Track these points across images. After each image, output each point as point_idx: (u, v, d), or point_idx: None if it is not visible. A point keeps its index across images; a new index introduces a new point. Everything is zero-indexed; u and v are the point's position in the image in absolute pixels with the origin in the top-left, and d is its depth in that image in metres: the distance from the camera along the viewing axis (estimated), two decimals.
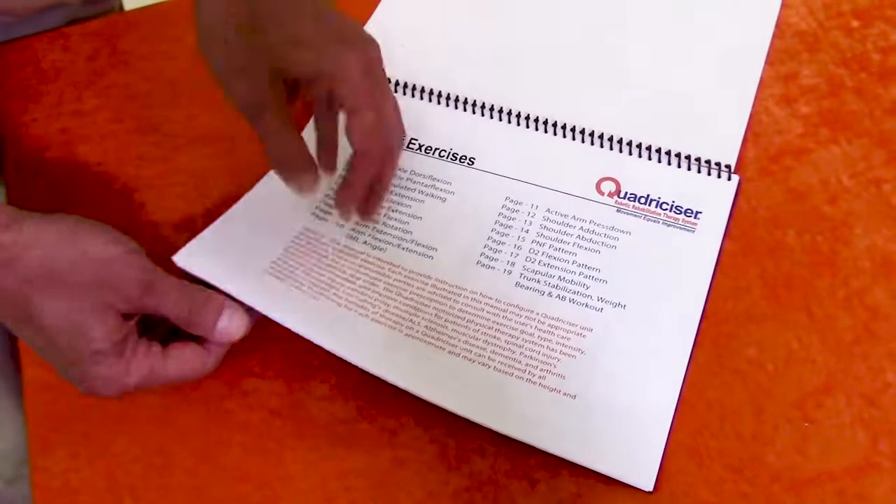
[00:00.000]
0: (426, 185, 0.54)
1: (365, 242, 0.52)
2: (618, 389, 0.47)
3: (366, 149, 0.46)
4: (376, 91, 0.46)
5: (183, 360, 0.44)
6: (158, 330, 0.46)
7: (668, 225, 0.51)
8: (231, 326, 0.45)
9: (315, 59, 0.44)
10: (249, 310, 0.47)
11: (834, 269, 0.50)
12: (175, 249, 0.53)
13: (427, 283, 0.51)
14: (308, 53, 0.44)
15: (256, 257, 0.51)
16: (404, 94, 0.58)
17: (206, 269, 0.48)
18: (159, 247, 0.54)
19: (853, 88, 0.56)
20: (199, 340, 0.46)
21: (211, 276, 0.47)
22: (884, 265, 0.50)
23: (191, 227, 0.54)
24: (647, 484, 0.44)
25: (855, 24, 0.59)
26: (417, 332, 0.49)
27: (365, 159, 0.46)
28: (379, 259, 0.52)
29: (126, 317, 0.43)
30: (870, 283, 0.49)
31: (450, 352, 0.48)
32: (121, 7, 0.74)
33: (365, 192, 0.48)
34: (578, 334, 0.48)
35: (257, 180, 0.55)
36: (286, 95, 0.46)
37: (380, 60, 0.46)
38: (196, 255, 0.49)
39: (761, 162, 0.54)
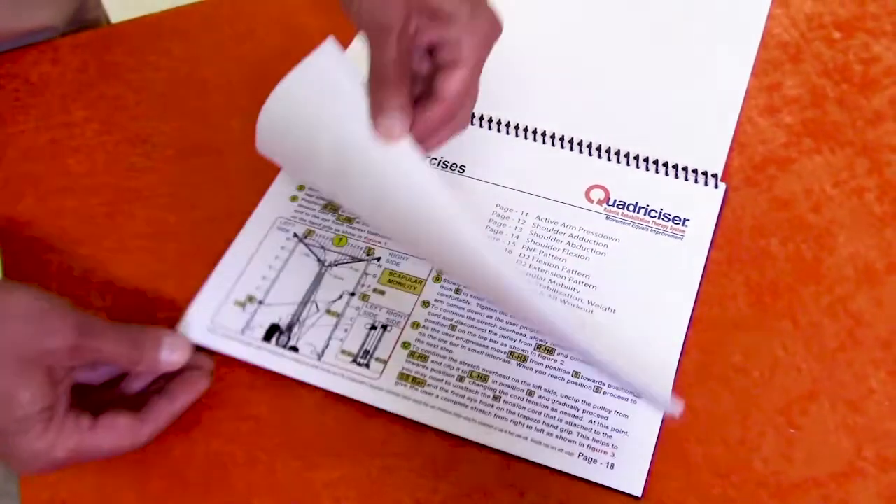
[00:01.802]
0: None
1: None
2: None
3: (455, 99, 0.44)
4: (484, 59, 0.45)
5: (115, 432, 0.42)
6: (89, 400, 0.44)
7: (657, 232, 0.52)
8: (174, 355, 0.45)
9: (460, 6, 0.43)
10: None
11: (818, 277, 0.50)
12: (162, 260, 0.54)
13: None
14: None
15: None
16: None
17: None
18: (146, 257, 0.54)
19: (835, 99, 0.57)
20: (133, 410, 0.44)
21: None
22: (867, 273, 0.50)
23: (180, 239, 0.55)
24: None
25: (837, 35, 0.60)
26: None
27: (447, 109, 0.44)
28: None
29: (55, 386, 0.41)
30: (853, 290, 0.50)
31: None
32: (107, 23, 0.74)
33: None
34: None
35: (245, 191, 0.55)
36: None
37: (495, 40, 0.45)
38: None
39: (746, 171, 0.54)
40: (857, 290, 0.50)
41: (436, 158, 0.56)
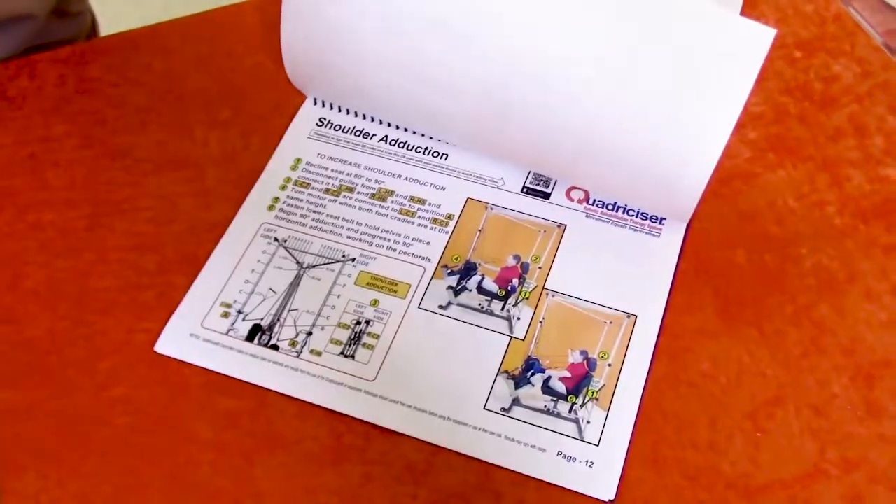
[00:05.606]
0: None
1: None
2: None
3: None
4: None
5: None
6: None
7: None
8: None
9: None
10: None
11: (782, 287, 0.52)
12: (142, 272, 0.54)
13: None
14: None
15: None
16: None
17: None
18: (126, 269, 0.55)
19: (797, 115, 0.59)
20: None
21: None
22: (829, 283, 0.52)
23: (160, 251, 0.55)
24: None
25: (798, 54, 0.62)
26: None
27: None
28: None
29: None
30: (816, 299, 0.52)
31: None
32: (92, 28, 0.73)
33: None
34: None
35: (224, 203, 0.56)
36: None
37: None
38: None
39: (712, 185, 0.56)
40: (819, 300, 0.52)
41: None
